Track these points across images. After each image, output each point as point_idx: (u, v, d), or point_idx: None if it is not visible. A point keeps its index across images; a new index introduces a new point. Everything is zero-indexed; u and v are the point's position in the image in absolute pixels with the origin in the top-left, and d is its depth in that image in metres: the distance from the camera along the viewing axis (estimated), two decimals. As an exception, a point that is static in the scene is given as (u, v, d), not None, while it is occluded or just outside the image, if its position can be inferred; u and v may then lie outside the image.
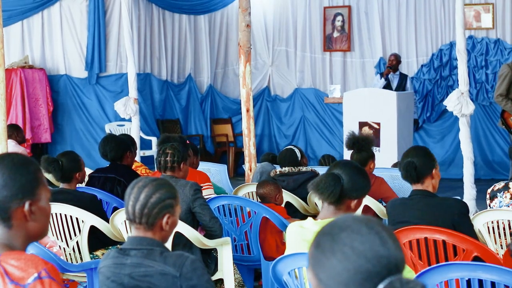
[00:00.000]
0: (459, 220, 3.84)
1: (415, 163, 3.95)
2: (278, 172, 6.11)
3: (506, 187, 4.64)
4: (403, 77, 10.79)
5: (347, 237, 1.65)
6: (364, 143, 5.63)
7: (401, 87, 10.63)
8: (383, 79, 10.66)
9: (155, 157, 4.93)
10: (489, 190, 4.75)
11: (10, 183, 2.12)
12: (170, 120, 12.43)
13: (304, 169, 6.10)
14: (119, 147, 6.01)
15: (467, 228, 3.84)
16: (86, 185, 5.97)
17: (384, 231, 1.67)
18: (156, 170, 5.08)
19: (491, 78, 11.20)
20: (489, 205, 4.72)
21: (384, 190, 5.67)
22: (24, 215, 2.15)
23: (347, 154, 7.03)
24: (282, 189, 5.79)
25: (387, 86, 10.55)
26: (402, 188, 6.60)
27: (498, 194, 4.65)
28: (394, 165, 7.33)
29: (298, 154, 6.17)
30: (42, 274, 2.01)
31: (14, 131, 8.41)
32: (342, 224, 1.69)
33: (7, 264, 2.04)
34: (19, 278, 2.01)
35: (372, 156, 5.71)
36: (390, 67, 10.72)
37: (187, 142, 5.88)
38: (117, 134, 7.61)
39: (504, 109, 8.46)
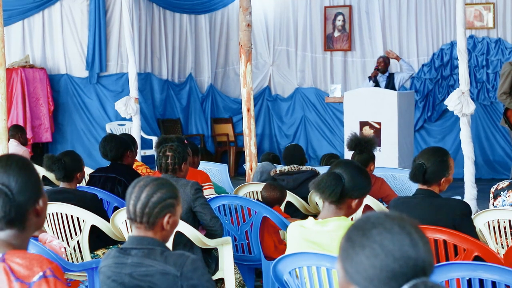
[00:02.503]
0: (460, 221, 3.82)
1: (425, 167, 3.85)
2: (278, 171, 6.11)
3: (510, 186, 4.64)
4: (390, 77, 10.79)
5: (378, 234, 1.67)
6: (367, 145, 5.63)
7: (388, 86, 10.62)
8: (371, 82, 10.66)
9: (155, 157, 4.93)
10: (492, 189, 4.75)
11: (24, 188, 2.15)
12: (171, 120, 12.43)
13: (304, 168, 6.10)
14: (119, 147, 6.01)
15: (468, 229, 3.82)
16: (86, 185, 5.97)
17: (416, 232, 1.68)
18: (156, 170, 5.07)
19: (492, 77, 11.19)
20: (493, 204, 4.71)
21: (384, 190, 5.67)
22: (37, 213, 2.19)
23: (348, 154, 7.02)
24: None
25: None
26: (403, 187, 6.61)
27: (501, 192, 4.65)
28: None
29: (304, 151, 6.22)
30: (47, 273, 2.04)
31: (18, 132, 8.43)
32: (375, 221, 1.70)
33: (12, 262, 2.06)
34: (24, 276, 2.03)
35: (373, 158, 5.71)
36: (377, 69, 10.70)
37: (186, 141, 5.88)
38: (117, 134, 7.60)
39: (508, 107, 8.45)
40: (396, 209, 4.05)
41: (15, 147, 7.90)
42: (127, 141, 6.22)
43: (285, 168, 6.10)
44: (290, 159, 6.19)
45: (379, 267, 1.64)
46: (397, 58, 10.69)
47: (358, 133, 8.49)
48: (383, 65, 10.74)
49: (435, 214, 3.84)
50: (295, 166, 6.10)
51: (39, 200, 2.19)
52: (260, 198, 5.71)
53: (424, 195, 3.92)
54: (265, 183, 5.75)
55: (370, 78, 10.64)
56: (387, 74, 10.78)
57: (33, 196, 2.17)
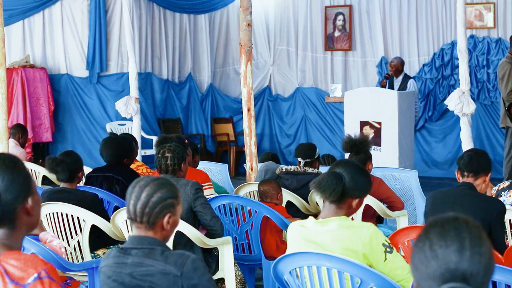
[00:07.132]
0: (496, 221, 3.98)
1: (480, 157, 4.20)
2: (283, 170, 6.11)
3: (510, 187, 4.65)
4: (404, 80, 10.70)
5: (434, 232, 1.78)
6: (362, 145, 5.63)
7: (405, 89, 10.55)
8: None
9: (155, 158, 4.91)
10: (493, 191, 4.75)
11: (11, 186, 2.14)
12: (171, 120, 12.43)
13: (310, 170, 6.09)
14: (118, 152, 5.91)
15: (499, 231, 4.01)
16: (84, 185, 5.95)
17: (470, 241, 1.75)
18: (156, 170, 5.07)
19: (493, 77, 11.19)
20: None
21: (383, 191, 5.66)
22: (27, 212, 2.18)
23: (348, 153, 7.02)
24: (284, 188, 5.79)
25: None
26: (403, 187, 6.60)
27: (502, 193, 4.67)
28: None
29: (317, 152, 6.20)
30: (42, 275, 2.02)
31: (19, 132, 8.41)
32: (440, 220, 1.82)
33: (7, 264, 2.04)
34: (19, 278, 2.02)
35: (370, 158, 5.71)
36: (387, 78, 10.63)
37: (186, 141, 5.86)
38: (118, 134, 7.59)
39: None
40: (434, 205, 4.15)
41: (12, 148, 7.87)
42: (127, 144, 6.13)
43: (291, 167, 6.10)
44: (297, 153, 6.20)
45: (424, 261, 1.76)
46: None
47: (357, 133, 8.47)
48: (394, 70, 10.68)
49: (475, 211, 3.91)
50: (301, 166, 6.10)
51: (28, 199, 2.17)
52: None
53: (467, 188, 4.11)
54: (259, 181, 5.77)
55: (382, 86, 10.52)
56: (402, 75, 10.70)
57: (21, 194, 2.15)
